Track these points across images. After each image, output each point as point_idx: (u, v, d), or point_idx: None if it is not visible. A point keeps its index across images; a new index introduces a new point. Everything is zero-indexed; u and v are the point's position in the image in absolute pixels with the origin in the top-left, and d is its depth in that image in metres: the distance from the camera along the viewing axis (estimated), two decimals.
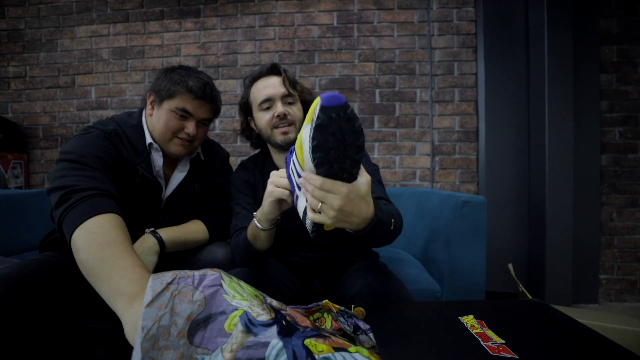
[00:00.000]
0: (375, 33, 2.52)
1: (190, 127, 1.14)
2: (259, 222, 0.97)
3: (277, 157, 1.26)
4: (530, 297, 2.18)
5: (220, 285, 0.57)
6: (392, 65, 2.51)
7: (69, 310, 0.98)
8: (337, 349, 0.55)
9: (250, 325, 0.52)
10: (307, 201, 0.73)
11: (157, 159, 1.17)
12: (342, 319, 0.76)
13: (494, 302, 0.88)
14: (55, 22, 2.62)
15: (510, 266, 2.17)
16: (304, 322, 0.63)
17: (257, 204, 1.13)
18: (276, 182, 0.88)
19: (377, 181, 1.21)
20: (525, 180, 2.44)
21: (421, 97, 2.50)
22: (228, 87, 2.57)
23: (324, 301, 0.78)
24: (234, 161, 2.55)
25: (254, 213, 1.01)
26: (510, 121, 2.45)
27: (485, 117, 2.44)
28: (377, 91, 2.52)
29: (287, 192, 0.87)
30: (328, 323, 0.75)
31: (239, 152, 2.56)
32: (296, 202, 0.82)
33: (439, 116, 2.50)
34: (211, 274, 0.59)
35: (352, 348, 0.58)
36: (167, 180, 1.23)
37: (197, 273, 0.58)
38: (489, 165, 2.45)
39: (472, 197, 1.49)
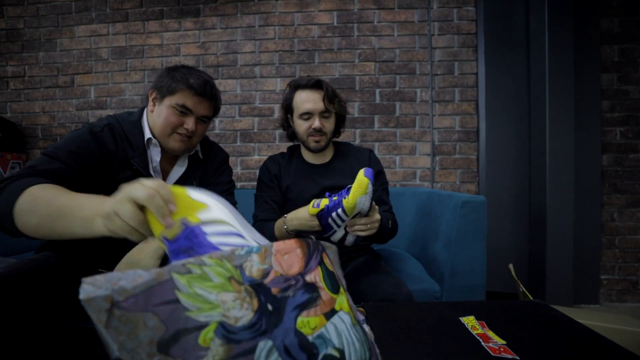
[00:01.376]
0: (376, 33, 2.51)
1: (189, 123, 1.16)
2: (289, 228, 1.26)
3: (306, 153, 1.53)
4: (531, 298, 2.17)
5: (177, 300, 0.46)
6: (392, 65, 2.50)
7: (67, 310, 0.97)
8: (328, 315, 0.53)
9: (229, 335, 0.46)
10: (346, 232, 1.22)
11: (155, 154, 1.19)
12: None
13: (494, 302, 0.88)
14: (54, 22, 2.62)
15: (510, 266, 2.16)
16: (294, 265, 0.57)
17: (281, 194, 1.47)
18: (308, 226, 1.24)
19: (383, 189, 1.51)
20: (526, 180, 2.43)
21: (421, 97, 2.49)
22: (228, 87, 2.56)
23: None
24: (234, 161, 2.55)
25: (285, 217, 1.28)
26: (510, 121, 2.44)
27: (485, 117, 2.43)
28: (377, 91, 2.51)
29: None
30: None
31: (238, 152, 2.55)
32: (332, 234, 1.22)
33: (439, 116, 2.49)
34: (158, 285, 0.46)
35: (337, 302, 0.56)
36: (166, 176, 1.24)
37: (138, 289, 0.45)
38: (489, 165, 2.44)
39: (473, 197, 1.49)
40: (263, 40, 2.55)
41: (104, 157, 1.08)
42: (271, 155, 1.59)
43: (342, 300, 0.57)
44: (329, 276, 0.60)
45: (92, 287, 0.43)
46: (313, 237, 1.20)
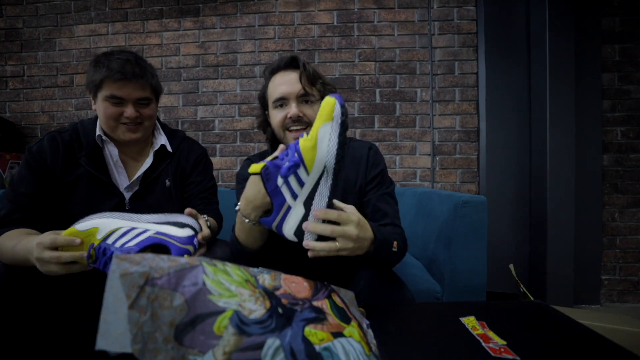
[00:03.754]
0: (376, 32, 2.51)
1: (128, 111, 1.12)
2: (246, 216, 0.86)
3: None
4: (531, 298, 2.17)
5: (203, 283, 0.51)
6: (392, 65, 2.50)
7: (68, 309, 1.01)
8: (335, 334, 0.55)
9: (242, 326, 0.48)
10: (303, 218, 0.75)
11: (112, 150, 1.18)
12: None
13: (495, 303, 0.88)
14: (54, 21, 2.62)
15: (511, 266, 2.16)
16: (302, 292, 0.62)
17: None
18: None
19: (381, 195, 1.16)
20: (527, 180, 2.43)
21: (422, 97, 2.49)
22: (228, 87, 2.56)
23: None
24: (234, 161, 2.55)
25: (237, 204, 0.94)
26: (511, 121, 2.44)
27: (486, 117, 2.43)
28: (378, 91, 2.51)
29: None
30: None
31: (238, 152, 2.55)
32: (285, 215, 0.75)
33: (439, 116, 2.49)
34: (190, 268, 0.52)
35: (346, 330, 0.58)
36: (132, 171, 1.22)
37: (172, 269, 0.50)
38: (489, 165, 2.44)
39: (473, 197, 1.49)
40: (263, 40, 2.55)
41: (47, 171, 1.12)
42: (250, 156, 1.31)
43: (353, 331, 0.58)
44: (338, 310, 0.64)
45: (128, 264, 0.47)
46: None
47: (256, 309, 0.52)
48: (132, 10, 2.59)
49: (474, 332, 0.69)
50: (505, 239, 2.43)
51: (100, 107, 1.13)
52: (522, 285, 2.05)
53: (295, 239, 0.75)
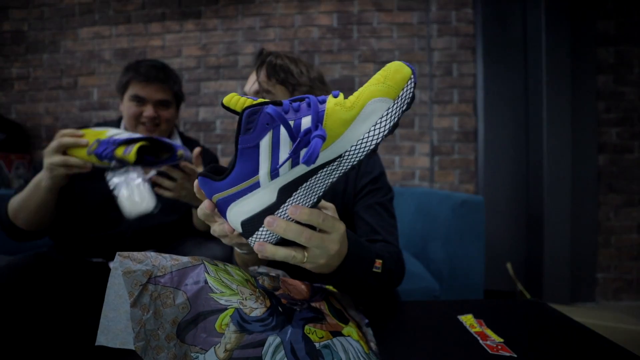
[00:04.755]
0: (375, 34, 2.53)
1: (148, 111, 1.20)
2: (239, 247, 0.60)
3: None
4: (528, 296, 2.20)
5: (205, 281, 0.51)
6: None
7: (69, 306, 1.03)
8: (334, 333, 0.55)
9: (243, 324, 0.49)
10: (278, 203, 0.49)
11: None
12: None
13: (493, 301, 0.88)
14: (58, 24, 2.63)
15: (508, 265, 2.18)
16: (300, 294, 0.62)
17: None
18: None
19: (369, 205, 0.96)
20: (524, 180, 2.45)
21: (420, 98, 2.51)
22: (229, 88, 2.58)
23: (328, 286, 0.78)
24: None
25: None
26: (508, 121, 2.46)
27: (484, 118, 2.45)
28: None
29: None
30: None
31: None
32: (244, 192, 0.47)
33: (438, 117, 2.51)
34: (192, 267, 0.52)
35: (344, 330, 0.58)
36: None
37: (175, 267, 0.50)
38: (487, 166, 2.46)
39: (471, 197, 1.51)
40: (264, 42, 2.57)
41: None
42: None
43: (351, 331, 0.59)
44: (336, 311, 0.64)
45: (130, 262, 0.47)
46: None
47: (257, 307, 0.52)
48: (135, 13, 2.60)
49: (472, 330, 0.69)
50: (502, 238, 2.45)
51: (124, 107, 1.22)
52: (519, 284, 2.08)
53: (238, 230, 0.50)
